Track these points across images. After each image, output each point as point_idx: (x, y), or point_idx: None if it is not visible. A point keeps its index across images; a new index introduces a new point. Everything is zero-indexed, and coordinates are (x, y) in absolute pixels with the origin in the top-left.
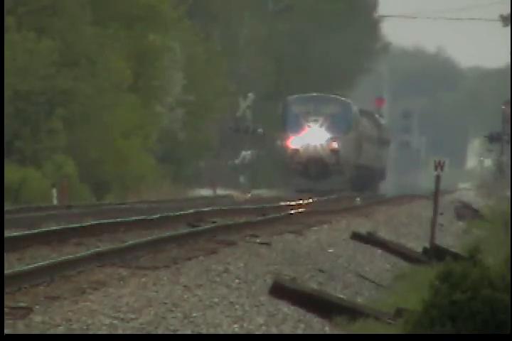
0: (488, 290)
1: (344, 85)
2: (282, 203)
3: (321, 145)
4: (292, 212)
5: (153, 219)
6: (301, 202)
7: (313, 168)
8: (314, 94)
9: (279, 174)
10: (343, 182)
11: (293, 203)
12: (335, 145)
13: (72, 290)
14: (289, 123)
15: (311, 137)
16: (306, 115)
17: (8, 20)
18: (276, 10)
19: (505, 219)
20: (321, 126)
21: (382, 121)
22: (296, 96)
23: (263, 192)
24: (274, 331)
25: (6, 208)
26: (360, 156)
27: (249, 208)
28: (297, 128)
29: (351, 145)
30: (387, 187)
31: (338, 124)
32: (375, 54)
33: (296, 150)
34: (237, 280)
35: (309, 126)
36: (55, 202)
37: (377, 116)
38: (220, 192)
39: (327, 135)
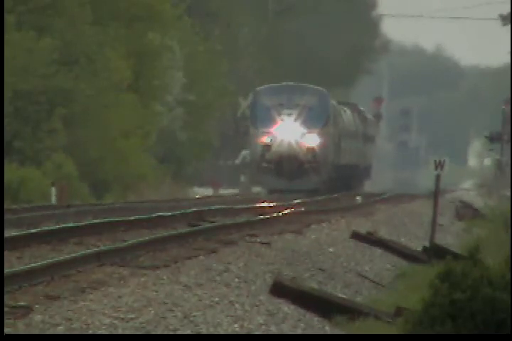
0: (489, 289)
1: (344, 84)
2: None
3: (296, 140)
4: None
5: (153, 219)
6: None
7: (287, 166)
8: (285, 83)
9: (250, 173)
10: (321, 182)
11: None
12: (311, 140)
13: (72, 289)
14: (259, 117)
15: (284, 132)
16: (279, 107)
17: (8, 19)
18: (277, 10)
19: (505, 219)
20: (295, 119)
21: (369, 115)
22: (267, 86)
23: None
24: (274, 330)
25: (5, 207)
26: (340, 153)
27: (249, 207)
28: (268, 121)
29: (330, 141)
30: (387, 186)
31: (315, 117)
32: (375, 53)
33: (268, 147)
34: (237, 280)
35: (282, 120)
36: (54, 201)
37: (362, 108)
38: (220, 191)
39: (302, 129)
